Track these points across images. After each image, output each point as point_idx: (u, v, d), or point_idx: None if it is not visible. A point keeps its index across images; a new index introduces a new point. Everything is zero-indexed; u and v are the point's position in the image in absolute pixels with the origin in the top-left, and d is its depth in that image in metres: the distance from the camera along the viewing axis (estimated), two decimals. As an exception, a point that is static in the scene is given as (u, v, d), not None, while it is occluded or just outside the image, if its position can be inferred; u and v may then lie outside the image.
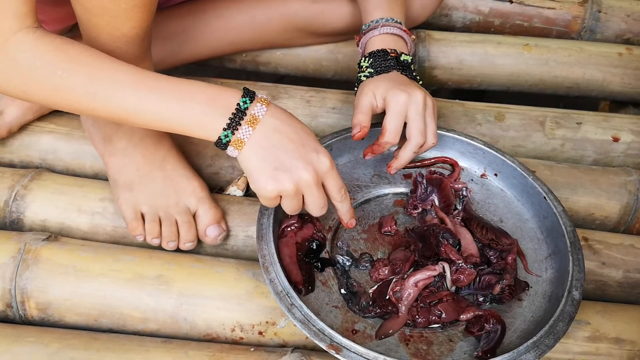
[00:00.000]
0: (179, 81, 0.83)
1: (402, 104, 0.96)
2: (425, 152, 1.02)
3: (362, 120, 0.97)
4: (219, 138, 0.82)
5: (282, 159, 0.82)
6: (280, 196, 0.85)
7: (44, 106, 1.14)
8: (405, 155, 0.99)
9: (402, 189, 1.10)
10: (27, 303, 0.95)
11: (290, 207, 0.86)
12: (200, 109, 0.81)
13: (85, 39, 0.90)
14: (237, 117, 0.81)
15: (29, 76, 0.80)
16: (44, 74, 0.80)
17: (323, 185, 0.87)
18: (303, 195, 0.86)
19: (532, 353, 0.84)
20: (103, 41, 0.87)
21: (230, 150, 0.83)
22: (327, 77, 1.43)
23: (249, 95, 0.83)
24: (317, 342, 0.83)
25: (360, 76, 1.03)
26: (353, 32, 1.28)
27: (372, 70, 1.01)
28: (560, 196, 1.11)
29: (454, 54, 1.40)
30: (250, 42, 1.31)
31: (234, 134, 0.81)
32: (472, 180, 1.11)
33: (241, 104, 0.82)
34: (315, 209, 0.87)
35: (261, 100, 0.83)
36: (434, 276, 0.94)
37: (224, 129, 0.81)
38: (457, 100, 1.32)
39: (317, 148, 0.85)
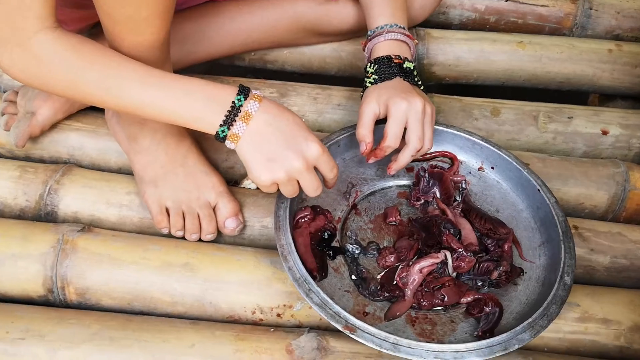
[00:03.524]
0: (182, 79, 0.89)
1: (402, 111, 1.00)
2: (421, 155, 1.06)
3: (365, 136, 1.02)
4: (217, 133, 0.88)
5: (274, 150, 0.89)
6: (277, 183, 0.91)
7: (62, 97, 1.17)
8: (404, 158, 1.03)
9: (405, 182, 1.15)
10: (66, 289, 1.01)
11: (287, 192, 0.93)
12: (199, 105, 0.88)
13: (111, 47, 0.95)
14: (232, 114, 0.88)
15: (48, 71, 0.87)
16: (62, 70, 0.87)
17: (317, 169, 0.93)
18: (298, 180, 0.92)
19: (527, 333, 0.89)
20: (126, 47, 0.92)
21: (228, 144, 0.89)
22: (331, 73, 1.46)
23: (244, 92, 0.89)
24: (333, 323, 0.88)
25: (366, 82, 1.08)
26: (356, 32, 1.34)
27: (377, 77, 1.06)
28: (552, 187, 1.16)
29: (452, 51, 1.43)
30: (260, 42, 1.35)
31: (229, 129, 0.88)
32: (470, 173, 1.15)
33: (236, 101, 0.88)
34: (310, 190, 0.93)
35: (254, 97, 0.89)
36: (437, 263, 0.99)
37: (221, 125, 0.88)
38: (456, 96, 1.36)
39: (307, 137, 0.90)
